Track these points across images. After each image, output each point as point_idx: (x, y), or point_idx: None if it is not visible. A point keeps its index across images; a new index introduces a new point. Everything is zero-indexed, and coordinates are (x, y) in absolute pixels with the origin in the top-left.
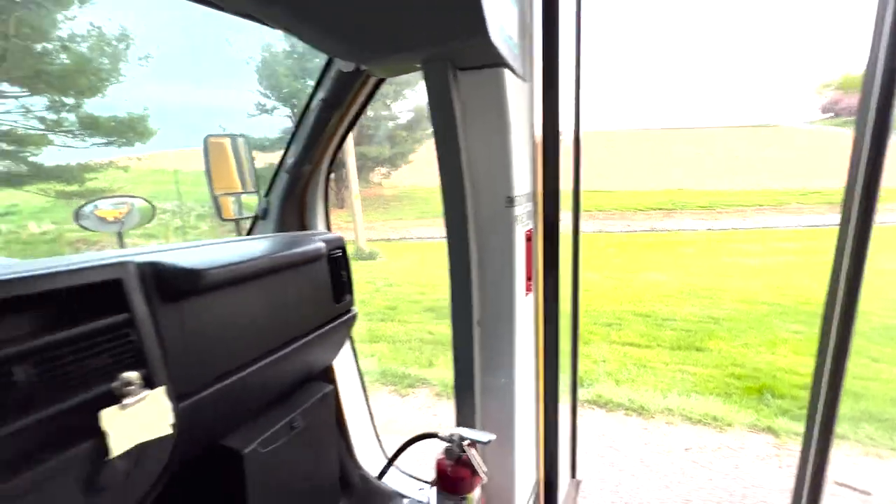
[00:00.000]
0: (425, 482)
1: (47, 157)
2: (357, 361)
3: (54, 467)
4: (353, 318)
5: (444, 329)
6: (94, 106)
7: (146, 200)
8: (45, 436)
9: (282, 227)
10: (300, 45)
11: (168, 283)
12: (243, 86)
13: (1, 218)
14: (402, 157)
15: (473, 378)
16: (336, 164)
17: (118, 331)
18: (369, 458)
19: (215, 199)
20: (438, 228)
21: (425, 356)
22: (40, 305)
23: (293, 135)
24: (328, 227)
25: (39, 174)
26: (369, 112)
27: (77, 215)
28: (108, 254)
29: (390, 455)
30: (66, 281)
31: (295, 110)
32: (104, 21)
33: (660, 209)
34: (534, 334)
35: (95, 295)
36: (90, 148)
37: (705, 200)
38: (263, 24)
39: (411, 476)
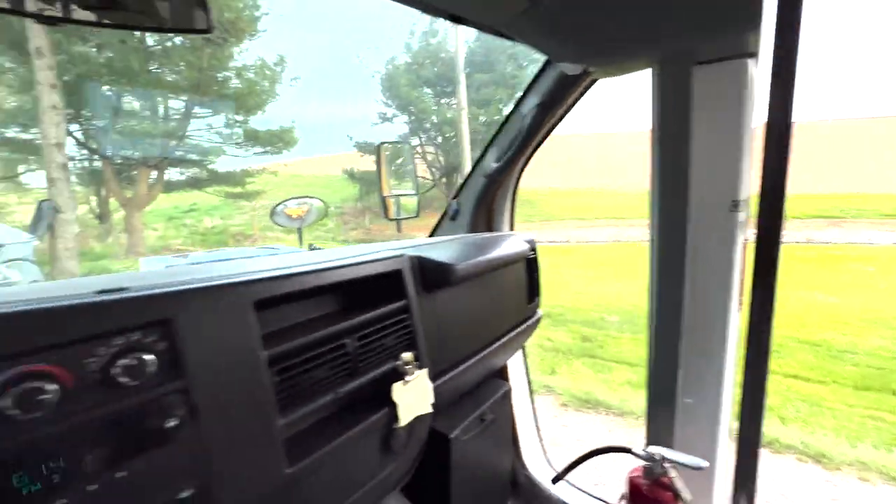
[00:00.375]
0: (600, 499)
1: (220, 164)
2: (526, 364)
3: (366, 427)
4: (539, 320)
5: (563, 336)
6: (255, 121)
7: (322, 201)
8: (358, 399)
9: (473, 228)
10: (419, 57)
11: (427, 275)
12: (369, 97)
13: (186, 214)
14: None
15: (674, 394)
16: (449, 168)
17: (399, 315)
18: (534, 462)
19: (383, 199)
20: (543, 232)
21: (547, 363)
22: (345, 289)
23: (492, 140)
24: (511, 230)
25: (215, 179)
26: (481, 117)
27: (272, 212)
28: (374, 247)
29: (553, 460)
30: (365, 270)
31: (412, 117)
32: (266, 51)
33: (820, 217)
34: (735, 354)
35: (381, 283)
36: (251, 157)
37: (890, 206)
38: (502, 35)
39: (581, 489)
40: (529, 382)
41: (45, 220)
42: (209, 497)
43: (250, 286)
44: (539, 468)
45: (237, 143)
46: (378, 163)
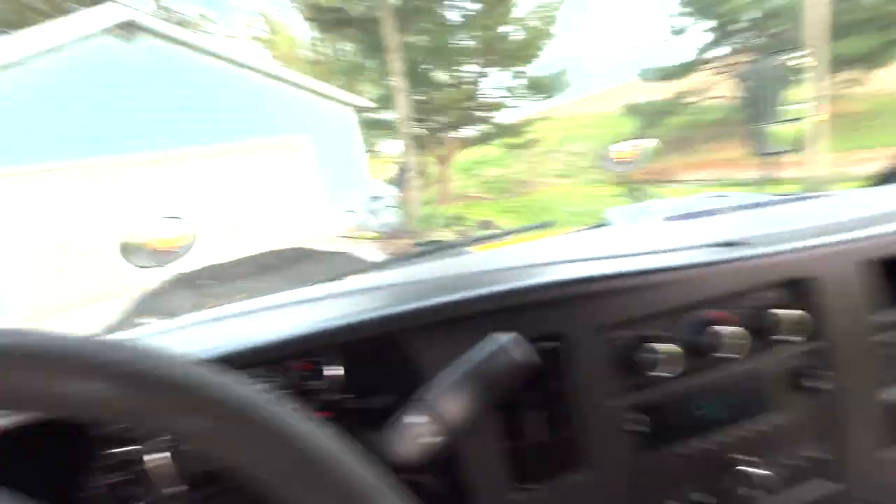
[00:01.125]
0: None
1: (503, 118)
2: None
3: None
4: None
5: None
6: (532, 69)
7: (657, 141)
8: None
9: None
10: None
11: None
12: (660, 12)
13: (475, 165)
14: (893, 49)
15: None
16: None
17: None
18: None
19: (753, 132)
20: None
21: None
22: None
23: None
24: None
25: (498, 132)
26: None
27: (598, 158)
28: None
29: None
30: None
31: (717, 20)
32: None
33: None
34: None
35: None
36: (528, 105)
37: None
38: None
39: None
40: None
41: (402, 176)
42: (837, 465)
43: (870, 242)
44: None
45: (518, 96)
46: (744, 90)
